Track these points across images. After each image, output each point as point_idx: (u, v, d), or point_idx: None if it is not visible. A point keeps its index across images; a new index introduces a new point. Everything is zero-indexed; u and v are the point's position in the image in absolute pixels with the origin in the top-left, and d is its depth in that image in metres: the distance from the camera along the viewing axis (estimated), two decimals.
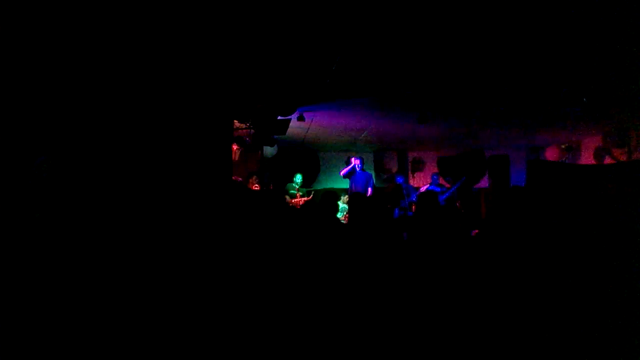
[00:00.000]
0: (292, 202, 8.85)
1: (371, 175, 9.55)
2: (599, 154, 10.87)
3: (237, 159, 8.03)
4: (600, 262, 3.44)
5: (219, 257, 3.82)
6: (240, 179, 7.80)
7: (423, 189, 9.82)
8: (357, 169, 9.06)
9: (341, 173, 9.36)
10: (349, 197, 9.13)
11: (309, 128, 8.89)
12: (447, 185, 10.01)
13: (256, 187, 7.90)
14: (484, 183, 12.27)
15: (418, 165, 12.72)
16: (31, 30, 4.19)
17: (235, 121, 6.96)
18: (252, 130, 7.43)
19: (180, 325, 3.06)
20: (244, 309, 3.20)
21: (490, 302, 3.33)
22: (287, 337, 2.94)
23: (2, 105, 3.93)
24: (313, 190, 9.69)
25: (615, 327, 2.82)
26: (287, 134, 7.99)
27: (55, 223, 3.35)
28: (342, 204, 9.23)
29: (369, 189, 8.94)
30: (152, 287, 3.44)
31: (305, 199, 9.12)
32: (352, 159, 9.16)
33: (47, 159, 3.51)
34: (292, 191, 9.11)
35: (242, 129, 7.43)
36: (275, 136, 8.03)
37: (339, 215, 9.02)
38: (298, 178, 9.29)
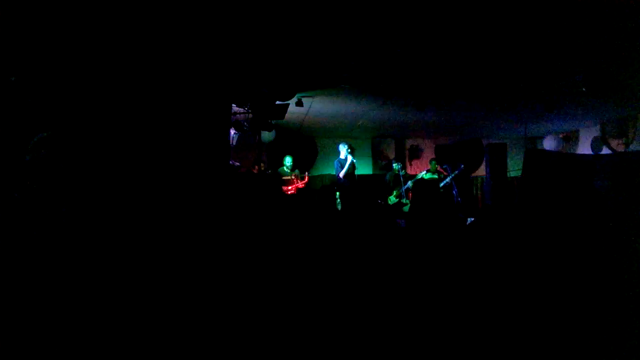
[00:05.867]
0: (288, 190, 8.78)
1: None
2: (596, 144, 10.89)
3: (234, 143, 8.01)
4: (595, 249, 3.47)
5: (216, 240, 3.84)
6: (237, 163, 7.80)
7: (420, 175, 9.83)
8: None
9: (341, 175, 8.98)
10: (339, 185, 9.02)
11: (307, 113, 8.86)
12: (445, 173, 10.02)
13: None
14: (481, 171, 12.30)
15: (415, 153, 12.73)
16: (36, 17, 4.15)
17: (233, 105, 6.93)
18: (250, 115, 7.40)
19: (176, 309, 3.08)
20: (242, 292, 3.22)
21: (485, 290, 3.35)
22: (286, 320, 2.96)
23: (4, 82, 3.89)
24: (308, 174, 9.50)
25: (613, 316, 2.85)
26: (285, 119, 7.95)
27: (51, 200, 3.34)
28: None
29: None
30: (149, 267, 3.46)
31: (303, 182, 8.99)
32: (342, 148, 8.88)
33: (47, 136, 3.47)
34: (286, 177, 8.95)
35: (240, 113, 7.40)
36: (273, 121, 7.99)
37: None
38: (288, 161, 9.12)
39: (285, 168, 9.03)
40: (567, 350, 2.59)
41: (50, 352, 2.63)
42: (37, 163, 3.36)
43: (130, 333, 2.78)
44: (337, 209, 8.59)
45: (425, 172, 10.03)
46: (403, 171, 10.01)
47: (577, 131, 11.73)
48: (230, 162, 6.84)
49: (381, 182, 10.21)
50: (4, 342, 2.64)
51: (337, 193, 8.87)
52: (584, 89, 7.14)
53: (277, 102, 7.19)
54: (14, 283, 3.00)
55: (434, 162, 10.25)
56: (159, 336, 2.76)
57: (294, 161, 9.18)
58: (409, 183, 9.53)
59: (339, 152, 8.97)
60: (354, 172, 8.74)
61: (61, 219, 3.34)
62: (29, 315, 2.85)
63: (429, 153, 12.64)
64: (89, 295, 3.08)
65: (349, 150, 8.74)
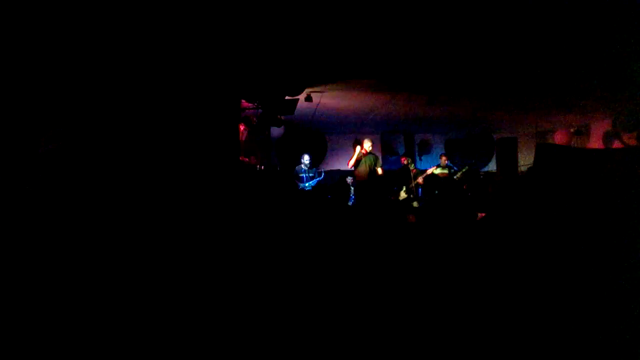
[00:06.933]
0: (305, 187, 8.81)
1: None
2: (608, 138, 10.79)
3: (244, 139, 8.03)
4: (606, 247, 3.44)
5: (226, 238, 3.85)
6: (247, 159, 7.82)
7: (430, 171, 9.80)
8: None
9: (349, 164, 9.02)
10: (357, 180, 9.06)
11: (316, 109, 8.86)
12: (455, 168, 9.99)
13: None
14: (491, 166, 12.25)
15: (425, 148, 12.68)
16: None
17: (242, 101, 6.94)
18: (260, 111, 7.41)
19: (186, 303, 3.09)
20: (250, 290, 3.23)
21: (495, 287, 3.34)
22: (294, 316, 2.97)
23: (12, 78, 3.91)
24: (323, 171, 9.59)
25: (621, 315, 2.83)
26: (294, 114, 7.96)
27: (63, 193, 3.36)
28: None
29: (379, 169, 8.76)
30: (159, 263, 3.47)
31: (319, 179, 9.05)
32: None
33: (60, 131, 3.50)
34: (303, 174, 8.99)
35: (249, 109, 7.41)
36: (283, 117, 8.00)
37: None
38: (306, 159, 9.21)
39: (303, 166, 9.12)
40: (568, 350, 2.58)
41: (52, 350, 2.63)
42: (50, 156, 3.38)
43: (141, 330, 2.79)
44: (350, 204, 8.61)
45: (435, 167, 10.00)
46: (412, 166, 9.98)
47: (589, 125, 11.62)
48: (241, 158, 6.86)
49: (391, 177, 10.19)
50: (4, 341, 2.63)
51: (352, 189, 8.93)
52: (595, 82, 7.09)
53: (287, 98, 7.19)
54: (20, 277, 3.01)
55: (444, 157, 10.21)
56: (170, 334, 2.78)
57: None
58: (420, 179, 9.51)
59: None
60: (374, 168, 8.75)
61: (72, 212, 3.36)
62: (32, 310, 2.85)
63: (439, 147, 12.60)
64: (98, 290, 3.10)
65: (370, 146, 8.78)
